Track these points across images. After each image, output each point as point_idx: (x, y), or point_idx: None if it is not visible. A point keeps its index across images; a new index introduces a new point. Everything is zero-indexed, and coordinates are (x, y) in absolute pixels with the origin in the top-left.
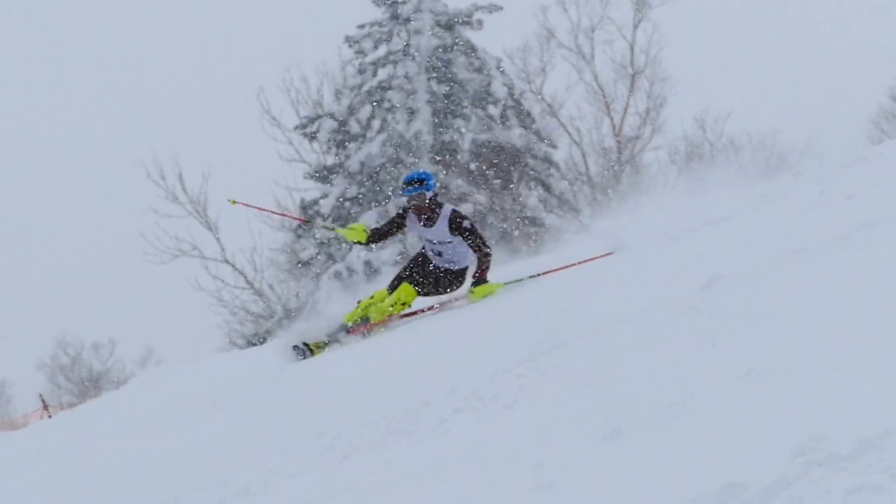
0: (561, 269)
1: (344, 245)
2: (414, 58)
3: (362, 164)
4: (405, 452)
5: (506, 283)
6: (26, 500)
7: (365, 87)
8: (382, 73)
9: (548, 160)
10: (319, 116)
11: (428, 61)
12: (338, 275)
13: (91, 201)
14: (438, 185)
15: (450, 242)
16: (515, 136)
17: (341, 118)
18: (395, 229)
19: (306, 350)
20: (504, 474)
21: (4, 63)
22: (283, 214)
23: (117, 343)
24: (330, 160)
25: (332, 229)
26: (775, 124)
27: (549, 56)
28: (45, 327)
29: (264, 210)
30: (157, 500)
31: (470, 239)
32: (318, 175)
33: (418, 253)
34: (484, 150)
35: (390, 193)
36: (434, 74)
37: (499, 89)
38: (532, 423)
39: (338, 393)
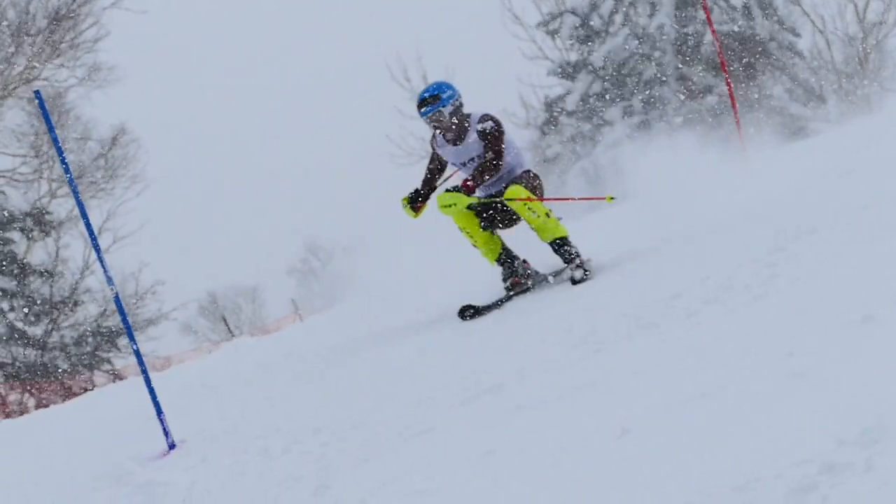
0: (550, 199)
1: (590, 141)
2: None
3: (606, 59)
4: (655, 345)
5: (479, 200)
6: (286, 397)
7: None
8: None
9: (792, 49)
10: (561, 13)
11: None
12: (584, 171)
13: (339, 104)
14: (459, 94)
15: None
16: (759, 26)
17: (583, 14)
18: (440, 164)
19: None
20: (754, 364)
21: None
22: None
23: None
24: (573, 56)
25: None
26: None
27: None
28: (296, 232)
29: None
30: (411, 398)
31: (486, 140)
32: (561, 72)
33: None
34: (727, 41)
35: (634, 89)
36: None
37: None
38: (783, 311)
39: (586, 288)
